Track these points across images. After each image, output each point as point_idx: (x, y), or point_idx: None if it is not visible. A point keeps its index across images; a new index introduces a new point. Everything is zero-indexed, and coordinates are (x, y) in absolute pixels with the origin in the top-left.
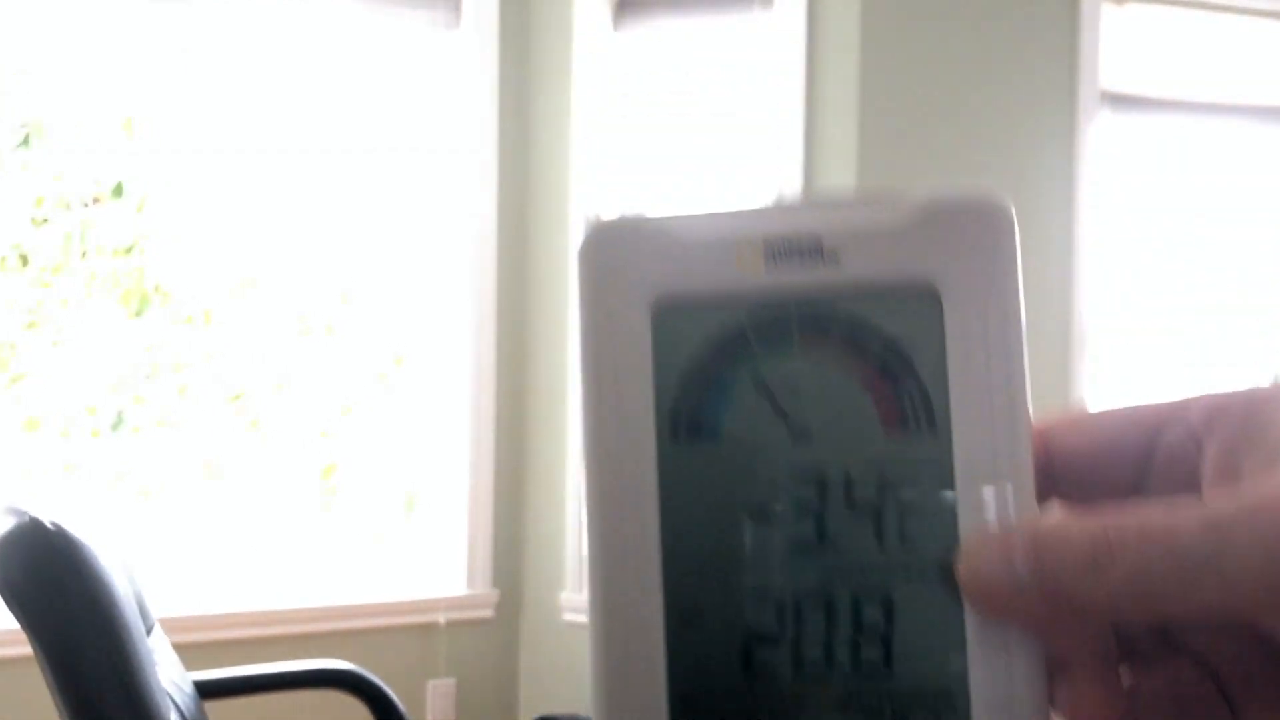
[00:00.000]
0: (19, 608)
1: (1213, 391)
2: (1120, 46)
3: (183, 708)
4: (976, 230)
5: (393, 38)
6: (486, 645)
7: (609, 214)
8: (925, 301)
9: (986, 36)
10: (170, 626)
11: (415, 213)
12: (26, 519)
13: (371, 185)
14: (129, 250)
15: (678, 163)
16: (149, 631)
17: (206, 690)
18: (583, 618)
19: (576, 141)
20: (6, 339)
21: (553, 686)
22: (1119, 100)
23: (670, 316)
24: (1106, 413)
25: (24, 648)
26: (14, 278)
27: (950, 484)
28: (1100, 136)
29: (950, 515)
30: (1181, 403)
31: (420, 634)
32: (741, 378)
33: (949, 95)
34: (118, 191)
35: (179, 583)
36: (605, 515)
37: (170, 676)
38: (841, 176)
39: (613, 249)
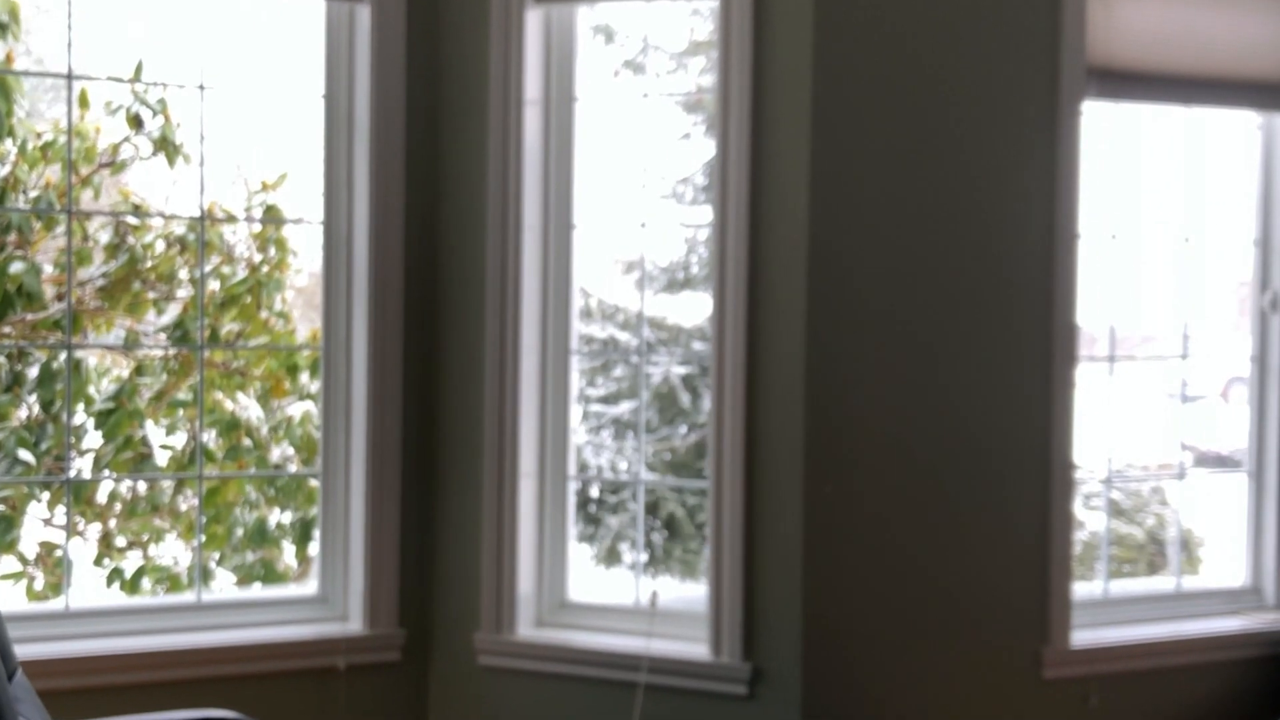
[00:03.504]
0: None
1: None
2: (1108, 19)
3: None
4: None
5: (298, 10)
6: (392, 692)
7: None
8: None
9: (959, 6)
10: (35, 671)
11: (309, 210)
12: None
13: (263, 170)
14: None
15: (602, 149)
16: (10, 677)
17: None
18: (500, 661)
19: (495, 123)
20: None
21: None
22: (1106, 77)
23: None
24: None
25: None
26: None
27: None
28: (1086, 116)
29: None
30: None
31: (317, 679)
32: None
33: (914, 71)
34: None
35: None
36: None
37: None
38: (792, 161)
39: None
